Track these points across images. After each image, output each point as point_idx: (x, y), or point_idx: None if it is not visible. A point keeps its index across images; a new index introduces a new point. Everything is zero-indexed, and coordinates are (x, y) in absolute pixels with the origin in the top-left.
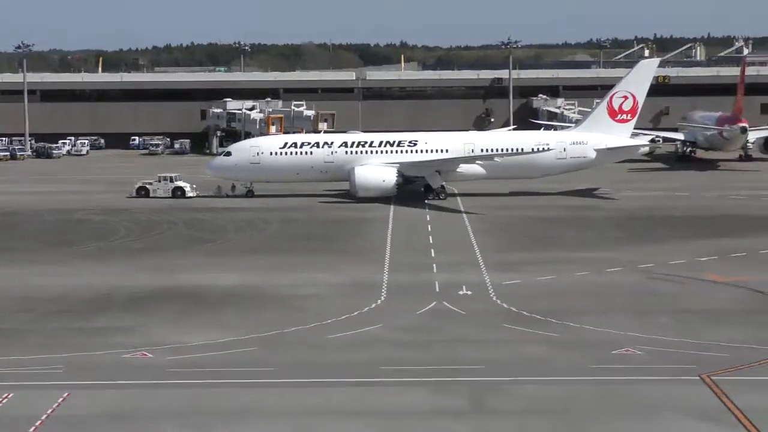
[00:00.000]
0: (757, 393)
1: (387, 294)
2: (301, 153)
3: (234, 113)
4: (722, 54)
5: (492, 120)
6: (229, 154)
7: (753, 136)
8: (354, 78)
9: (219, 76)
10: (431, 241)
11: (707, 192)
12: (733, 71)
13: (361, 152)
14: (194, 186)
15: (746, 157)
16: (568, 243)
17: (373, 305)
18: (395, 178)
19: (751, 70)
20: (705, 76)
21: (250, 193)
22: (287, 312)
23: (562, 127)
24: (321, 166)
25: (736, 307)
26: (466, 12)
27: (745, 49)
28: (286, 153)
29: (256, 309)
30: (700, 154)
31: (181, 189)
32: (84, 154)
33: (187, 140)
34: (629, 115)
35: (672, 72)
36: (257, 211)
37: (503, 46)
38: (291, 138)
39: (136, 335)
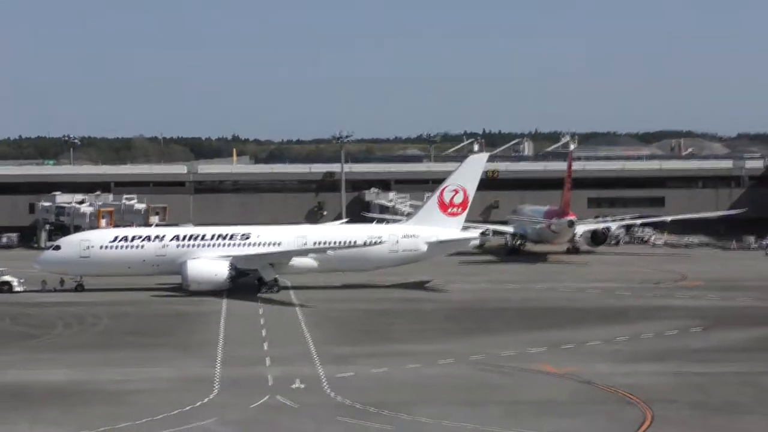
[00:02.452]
0: None
1: (219, 388)
2: (132, 247)
3: (63, 207)
4: (549, 149)
5: (324, 213)
6: (58, 248)
7: (580, 229)
8: (185, 171)
9: (48, 169)
10: (264, 335)
11: (537, 284)
12: (560, 166)
13: (193, 246)
14: (22, 280)
15: (574, 250)
16: (401, 335)
17: (206, 399)
18: (228, 272)
19: (577, 165)
20: (533, 170)
21: (79, 288)
22: (117, 407)
23: (394, 220)
24: (152, 259)
25: (567, 398)
26: (297, 106)
27: (571, 144)
28: (116, 247)
29: (85, 405)
30: (530, 246)
31: (8, 284)
32: None
33: (15, 234)
34: (460, 208)
35: (501, 166)
36: (87, 305)
37: (335, 141)
38: (122, 232)
39: None
